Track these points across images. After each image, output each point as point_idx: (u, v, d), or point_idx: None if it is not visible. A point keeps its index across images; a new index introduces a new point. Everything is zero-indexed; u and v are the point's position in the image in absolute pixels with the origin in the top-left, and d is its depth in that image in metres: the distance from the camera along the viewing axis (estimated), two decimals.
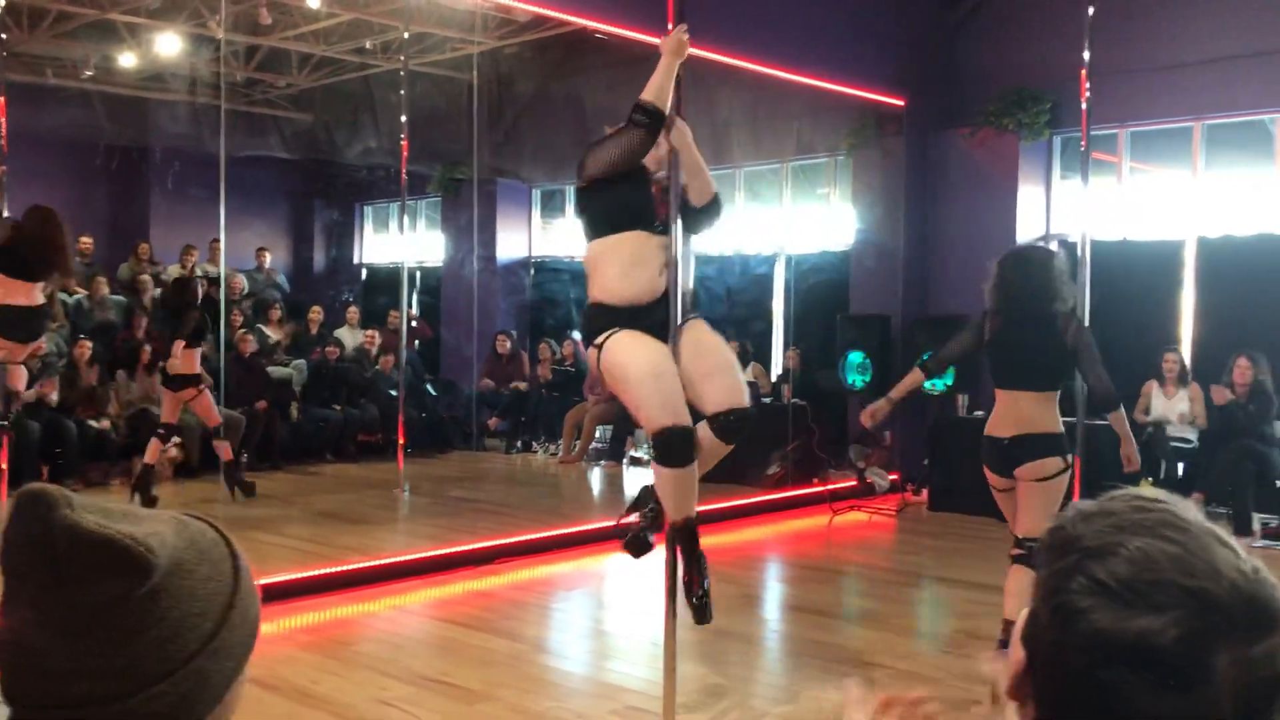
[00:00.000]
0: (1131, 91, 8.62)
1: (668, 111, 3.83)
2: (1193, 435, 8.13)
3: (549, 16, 8.16)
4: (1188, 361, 8.43)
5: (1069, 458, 4.49)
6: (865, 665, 4.83)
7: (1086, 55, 5.89)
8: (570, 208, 12.93)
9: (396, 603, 5.98)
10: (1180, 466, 8.31)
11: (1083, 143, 5.99)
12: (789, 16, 8.33)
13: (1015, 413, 4.49)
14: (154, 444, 7.98)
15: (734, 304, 10.95)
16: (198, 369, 8.02)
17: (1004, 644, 4.45)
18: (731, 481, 8.09)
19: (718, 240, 11.09)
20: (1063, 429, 4.52)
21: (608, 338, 3.70)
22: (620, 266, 3.74)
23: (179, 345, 7.80)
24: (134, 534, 1.01)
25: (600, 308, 3.77)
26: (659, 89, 3.77)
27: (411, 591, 6.16)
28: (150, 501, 7.68)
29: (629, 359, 3.64)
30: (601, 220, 3.81)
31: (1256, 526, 7.46)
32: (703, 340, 3.83)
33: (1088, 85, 6.04)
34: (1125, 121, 8.93)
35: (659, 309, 3.75)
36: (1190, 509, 0.99)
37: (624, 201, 3.80)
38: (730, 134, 10.07)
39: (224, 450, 8.32)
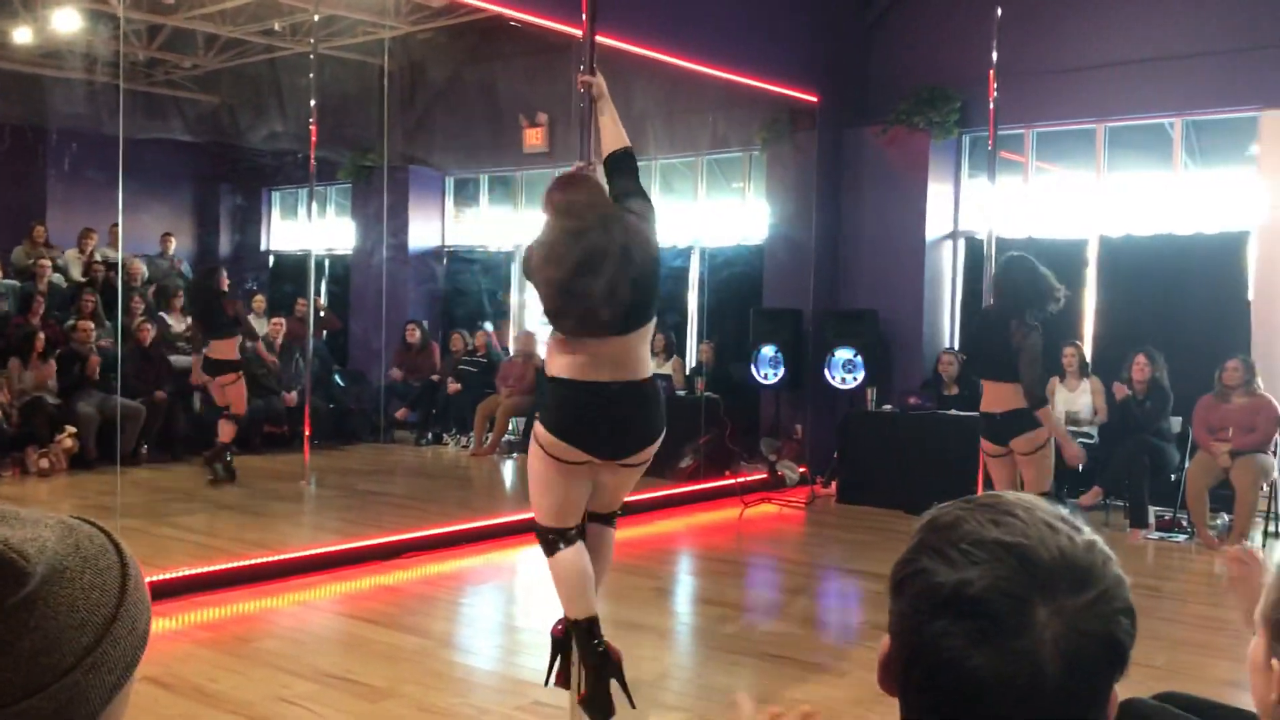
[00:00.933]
0: (1038, 93, 8.80)
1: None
2: (1093, 431, 8.34)
3: (463, 3, 8.03)
4: (1088, 356, 8.64)
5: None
6: (774, 659, 4.85)
7: (995, 56, 5.99)
8: (484, 195, 12.81)
9: (300, 598, 5.85)
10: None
11: (990, 142, 6.10)
12: (705, 10, 8.34)
13: (1000, 397, 5.31)
14: (225, 425, 8.68)
15: None
16: (236, 355, 8.71)
17: None
18: (644, 474, 8.06)
19: None
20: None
21: None
22: None
23: (214, 342, 8.60)
24: (8, 539, 0.94)
25: None
26: (619, 132, 3.91)
27: (316, 587, 6.03)
28: (230, 475, 8.65)
29: None
30: None
31: (1152, 519, 7.68)
32: None
33: (996, 86, 6.15)
34: (1032, 122, 9.11)
35: None
36: (1044, 504, 1.05)
37: None
38: (646, 127, 10.04)
39: (227, 431, 8.73)
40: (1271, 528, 7.49)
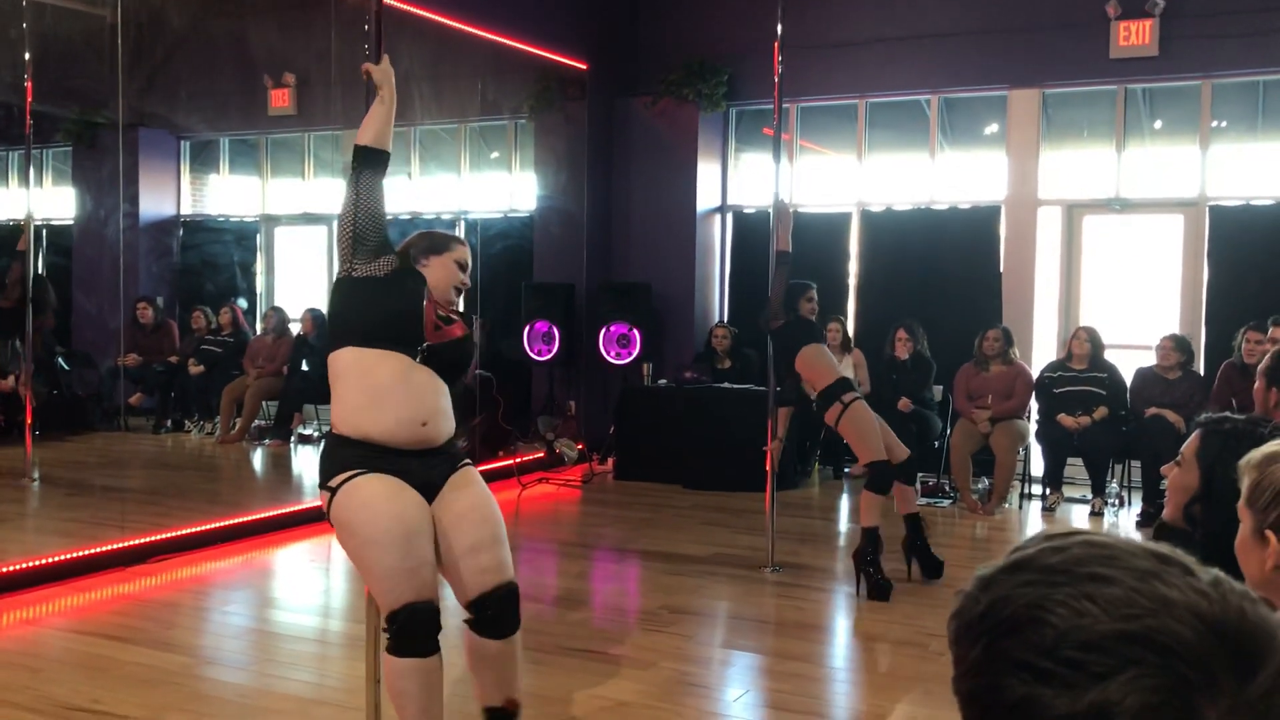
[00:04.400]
0: (802, 69, 8.86)
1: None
2: None
3: None
4: (851, 329, 8.83)
5: (843, 397, 5.71)
6: (576, 654, 4.60)
7: (780, 29, 5.92)
8: (225, 161, 11.87)
9: (28, 616, 5.13)
10: None
11: (775, 116, 6.02)
12: None
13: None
14: None
15: None
16: None
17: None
18: None
19: (392, 200, 10.50)
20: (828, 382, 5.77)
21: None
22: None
23: None
24: None
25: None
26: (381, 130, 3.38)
27: (47, 601, 5.31)
28: None
29: None
30: None
31: (918, 485, 7.89)
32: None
33: (770, 59, 6.08)
34: (797, 97, 9.19)
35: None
36: (1123, 540, 0.77)
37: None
38: (411, 90, 9.50)
39: None
40: (1027, 489, 7.87)
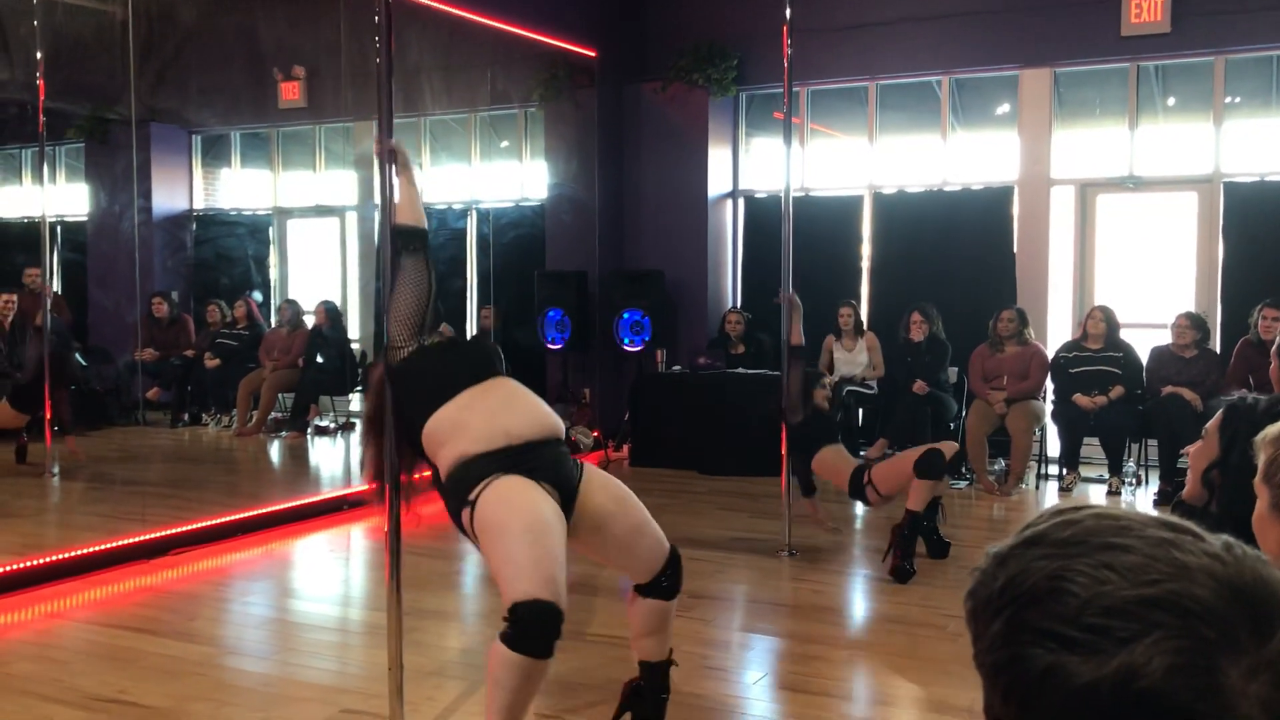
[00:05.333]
0: (812, 52, 8.84)
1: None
2: (873, 383, 8.52)
3: None
4: (864, 313, 8.83)
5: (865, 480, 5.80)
6: (595, 639, 4.63)
7: (788, 12, 5.90)
8: (236, 155, 11.91)
9: (53, 609, 5.18)
10: (861, 413, 8.70)
11: (785, 100, 6.00)
12: None
13: None
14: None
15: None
16: None
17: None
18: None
19: None
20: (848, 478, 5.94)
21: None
22: None
23: None
24: None
25: None
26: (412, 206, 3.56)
27: (71, 594, 5.36)
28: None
29: None
30: None
31: None
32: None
33: (780, 42, 6.06)
34: (807, 80, 9.17)
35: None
36: (1129, 510, 0.79)
37: None
38: (421, 81, 9.51)
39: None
40: (1043, 470, 7.86)
